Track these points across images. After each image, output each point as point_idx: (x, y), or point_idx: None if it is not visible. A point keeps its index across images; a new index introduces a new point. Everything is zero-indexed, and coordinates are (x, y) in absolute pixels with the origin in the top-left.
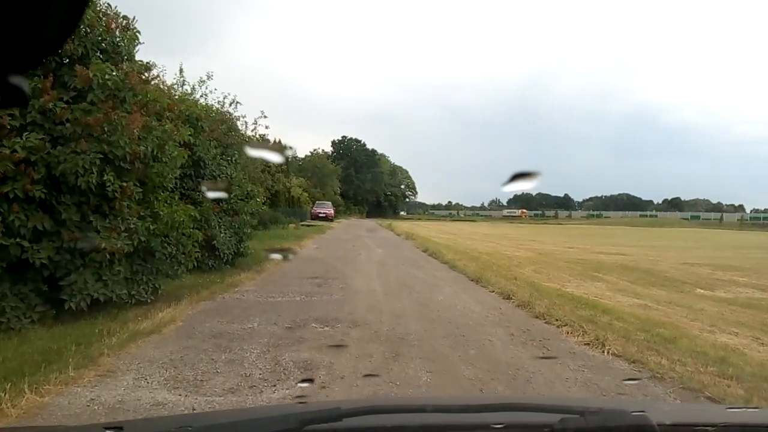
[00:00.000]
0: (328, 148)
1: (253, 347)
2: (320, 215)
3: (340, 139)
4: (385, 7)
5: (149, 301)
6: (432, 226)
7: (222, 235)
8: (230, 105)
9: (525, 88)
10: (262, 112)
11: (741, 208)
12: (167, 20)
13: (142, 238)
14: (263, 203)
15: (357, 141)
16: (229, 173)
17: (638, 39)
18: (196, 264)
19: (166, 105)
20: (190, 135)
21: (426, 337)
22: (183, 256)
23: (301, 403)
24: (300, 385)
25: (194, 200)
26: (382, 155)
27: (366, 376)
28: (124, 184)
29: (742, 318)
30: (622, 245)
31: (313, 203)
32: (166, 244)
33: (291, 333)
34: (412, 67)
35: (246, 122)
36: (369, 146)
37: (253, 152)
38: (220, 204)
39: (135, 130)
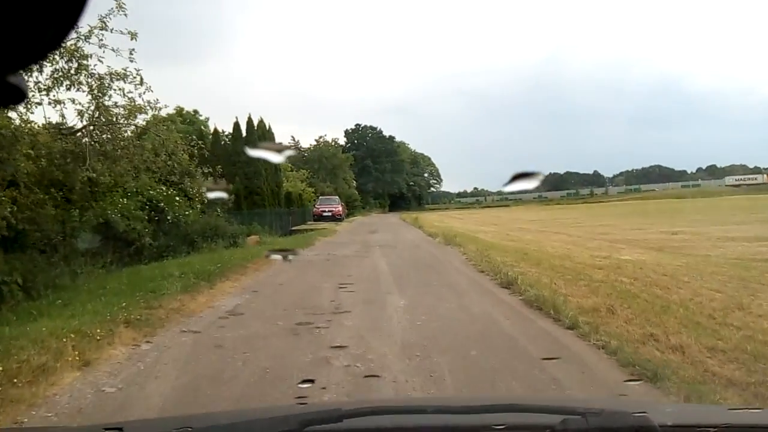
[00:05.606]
0: (341, 140)
1: None
2: (324, 214)
3: (354, 127)
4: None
5: None
6: (466, 217)
7: None
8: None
9: (542, 65)
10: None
11: None
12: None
13: None
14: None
15: (372, 128)
16: None
17: (652, 7)
18: None
19: None
20: None
21: None
22: None
23: (301, 404)
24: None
25: None
26: (402, 143)
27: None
28: None
29: None
30: (724, 224)
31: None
32: None
33: None
34: (428, 56)
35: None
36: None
37: None
38: None
39: None
